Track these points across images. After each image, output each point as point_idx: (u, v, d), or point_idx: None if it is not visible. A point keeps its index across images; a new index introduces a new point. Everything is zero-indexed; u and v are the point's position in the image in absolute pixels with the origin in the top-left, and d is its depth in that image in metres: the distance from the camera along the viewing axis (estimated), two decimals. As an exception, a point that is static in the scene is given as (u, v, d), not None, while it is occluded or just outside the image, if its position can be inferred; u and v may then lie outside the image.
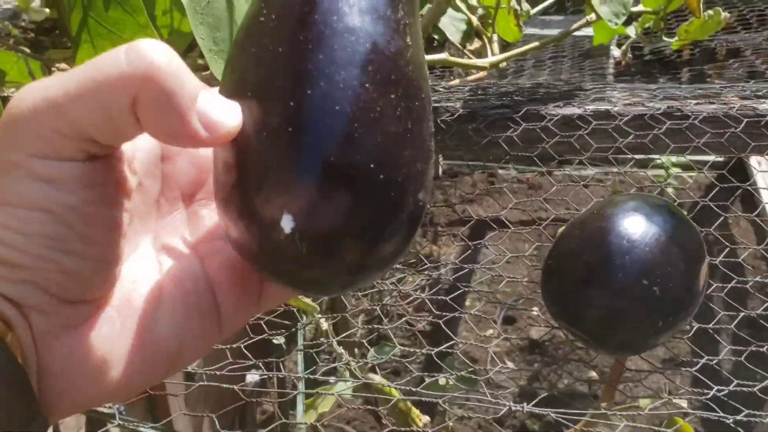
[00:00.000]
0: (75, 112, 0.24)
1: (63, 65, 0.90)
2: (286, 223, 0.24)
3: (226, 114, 0.25)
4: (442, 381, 0.96)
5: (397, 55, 0.25)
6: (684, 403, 0.81)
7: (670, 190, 2.97)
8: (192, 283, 0.30)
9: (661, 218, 0.47)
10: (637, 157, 0.66)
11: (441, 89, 0.81)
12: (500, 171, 3.55)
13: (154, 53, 0.24)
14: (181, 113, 0.24)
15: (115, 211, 0.27)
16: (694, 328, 0.56)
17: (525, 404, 0.46)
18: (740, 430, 0.45)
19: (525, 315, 2.11)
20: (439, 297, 0.65)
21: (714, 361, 0.53)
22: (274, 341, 0.59)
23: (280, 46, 0.25)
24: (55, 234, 0.25)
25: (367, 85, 0.24)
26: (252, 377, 2.09)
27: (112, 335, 0.28)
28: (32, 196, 0.25)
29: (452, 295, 0.68)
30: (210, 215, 0.33)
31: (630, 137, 0.66)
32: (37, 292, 0.26)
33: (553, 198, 0.75)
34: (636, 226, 0.46)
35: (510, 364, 2.29)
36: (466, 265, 0.80)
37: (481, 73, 1.11)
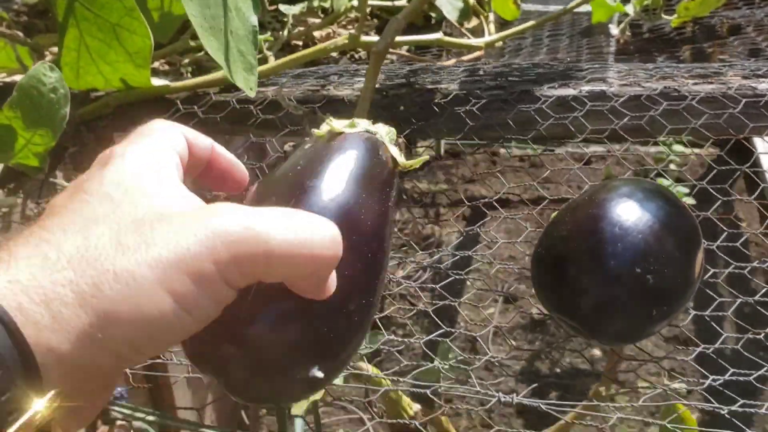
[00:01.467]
0: None
1: (55, 49, 0.88)
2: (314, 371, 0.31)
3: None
4: (437, 362, 0.96)
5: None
6: (682, 386, 0.80)
7: (672, 166, 2.94)
8: None
9: (655, 204, 0.46)
10: (633, 140, 0.65)
11: (436, 69, 0.80)
12: (502, 150, 3.53)
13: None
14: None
15: None
16: (691, 315, 0.55)
17: (515, 395, 0.45)
18: (735, 420, 0.44)
19: (527, 293, 2.11)
20: (439, 277, 0.65)
21: (710, 350, 0.52)
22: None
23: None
24: None
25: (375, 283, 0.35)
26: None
27: None
28: None
29: (447, 281, 0.67)
30: None
31: (626, 119, 0.65)
32: None
33: (554, 176, 0.74)
34: (628, 213, 0.45)
35: (512, 343, 2.29)
36: (458, 252, 0.79)
37: (478, 52, 1.10)
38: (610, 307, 0.45)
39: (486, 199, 0.70)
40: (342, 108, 0.71)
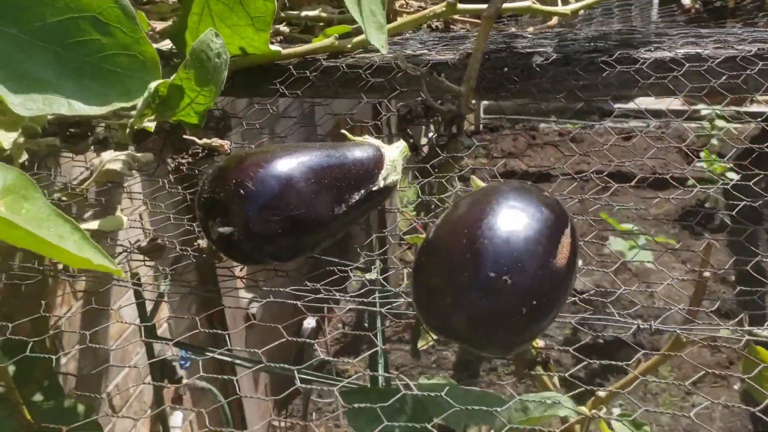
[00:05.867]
0: None
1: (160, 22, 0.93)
2: None
3: None
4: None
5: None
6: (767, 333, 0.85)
7: (714, 141, 2.96)
8: None
9: (504, 205, 0.46)
10: (732, 97, 0.69)
11: (529, 35, 0.84)
12: (541, 125, 3.56)
13: None
14: None
15: None
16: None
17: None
18: None
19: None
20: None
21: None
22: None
23: None
24: None
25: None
26: (309, 324, 2.16)
27: None
28: None
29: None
30: None
31: (723, 78, 0.69)
32: None
33: (595, 151, 0.77)
34: (471, 221, 0.45)
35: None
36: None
37: (552, 21, 1.14)
38: (477, 318, 0.43)
39: (527, 169, 0.74)
40: (447, 71, 0.76)
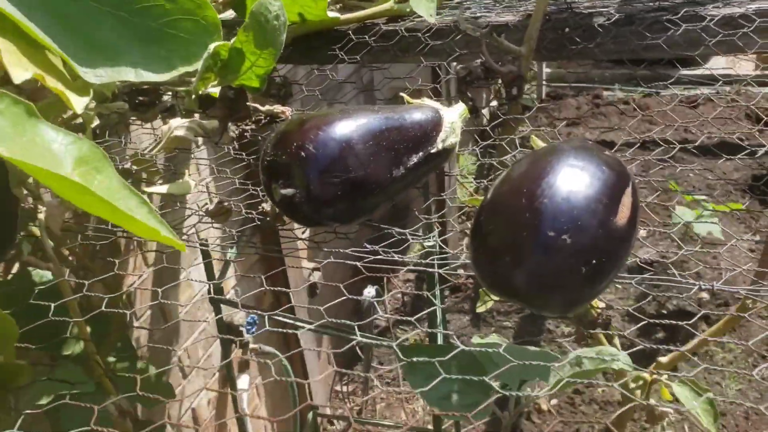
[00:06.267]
0: None
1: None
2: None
3: None
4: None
5: None
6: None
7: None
8: None
9: (560, 164, 0.45)
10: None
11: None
12: (605, 93, 3.48)
13: None
14: None
15: None
16: None
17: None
18: None
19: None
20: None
21: None
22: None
23: None
24: None
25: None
26: (368, 292, 2.19)
27: None
28: None
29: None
30: None
31: (797, 32, 0.66)
32: None
33: (660, 118, 0.74)
34: (528, 183, 0.44)
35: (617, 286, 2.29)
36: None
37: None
38: (536, 279, 0.43)
39: (590, 138, 0.72)
40: (507, 32, 0.75)
